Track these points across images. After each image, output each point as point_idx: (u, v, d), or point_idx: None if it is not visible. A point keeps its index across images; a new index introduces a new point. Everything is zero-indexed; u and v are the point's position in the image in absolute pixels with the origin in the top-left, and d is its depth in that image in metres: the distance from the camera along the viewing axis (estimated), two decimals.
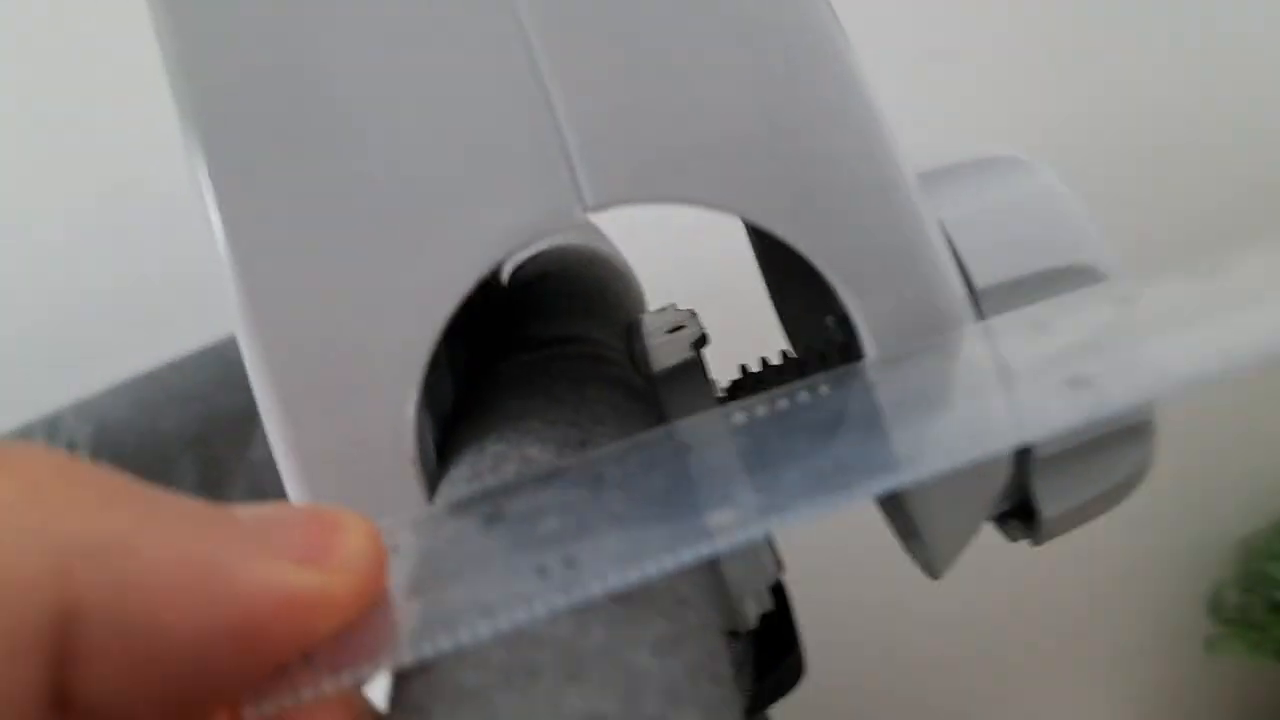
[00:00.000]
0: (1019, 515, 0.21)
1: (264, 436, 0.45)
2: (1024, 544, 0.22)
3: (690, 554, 0.12)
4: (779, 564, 0.22)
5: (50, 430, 0.45)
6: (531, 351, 0.19)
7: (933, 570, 0.20)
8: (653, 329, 0.23)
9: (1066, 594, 0.60)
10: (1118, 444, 0.20)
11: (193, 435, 0.44)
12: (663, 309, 0.25)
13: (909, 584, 0.28)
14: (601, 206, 0.14)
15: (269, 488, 0.49)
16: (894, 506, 0.20)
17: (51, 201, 0.57)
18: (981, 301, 0.18)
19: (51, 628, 0.10)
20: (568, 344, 0.19)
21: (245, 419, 0.44)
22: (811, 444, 0.13)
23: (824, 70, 0.14)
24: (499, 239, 0.14)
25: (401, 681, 0.12)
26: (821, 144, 0.14)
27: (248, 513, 0.13)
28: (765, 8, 0.14)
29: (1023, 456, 0.19)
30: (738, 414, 0.14)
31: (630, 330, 0.23)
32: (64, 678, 0.10)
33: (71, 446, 0.45)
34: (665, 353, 0.21)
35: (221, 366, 0.45)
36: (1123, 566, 0.61)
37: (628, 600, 0.13)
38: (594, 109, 0.14)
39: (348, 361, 0.15)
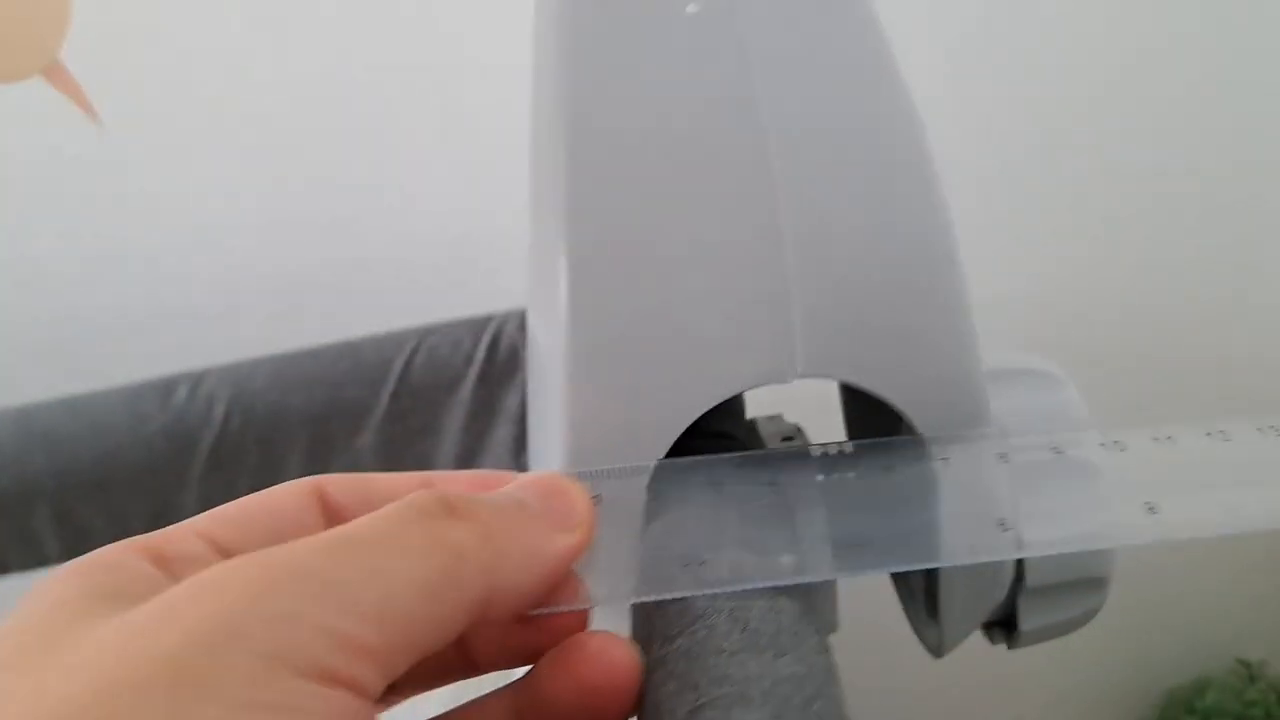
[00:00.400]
0: (1002, 625, 0.30)
1: (373, 427, 0.53)
2: (955, 671, 0.30)
3: (762, 582, 0.20)
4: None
5: (195, 384, 0.53)
6: (698, 439, 0.27)
7: (939, 651, 0.28)
8: (768, 434, 0.31)
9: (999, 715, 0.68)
10: (1085, 588, 0.28)
11: (314, 415, 0.52)
12: (772, 417, 0.33)
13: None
14: (806, 376, 0.23)
15: (365, 469, 0.56)
16: (915, 591, 0.28)
17: None
18: None
19: (480, 598, 0.18)
20: (724, 438, 0.27)
21: (363, 410, 0.52)
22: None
23: (956, 308, 0.23)
24: (736, 380, 0.22)
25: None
26: (940, 364, 0.23)
27: (528, 495, 0.20)
28: (938, 264, 0.23)
29: (1018, 580, 0.27)
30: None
31: (750, 432, 0.31)
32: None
33: (210, 401, 0.52)
34: None
35: (352, 361, 0.52)
36: (1056, 695, 0.69)
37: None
38: (819, 310, 0.22)
39: (627, 433, 0.23)
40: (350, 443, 0.53)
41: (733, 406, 0.29)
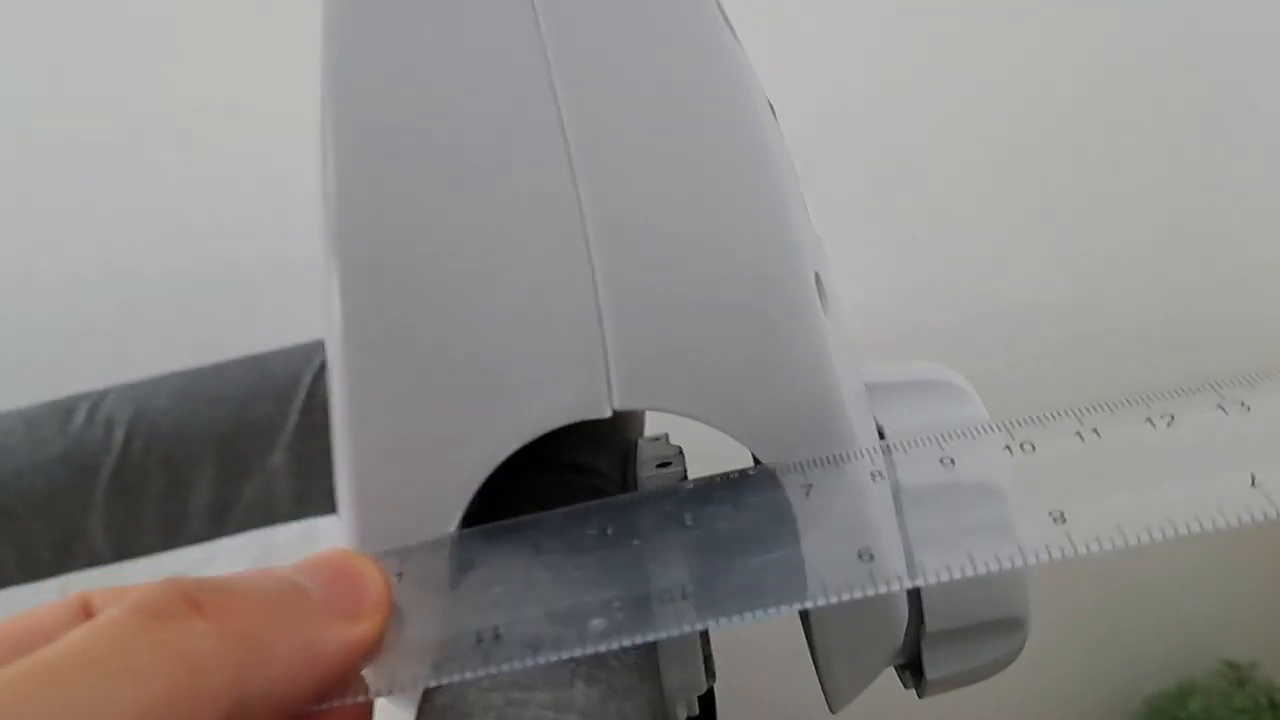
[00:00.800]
0: (913, 669, 0.26)
1: (284, 445, 0.50)
2: None
3: (568, 653, 0.16)
4: (713, 675, 0.27)
5: (94, 405, 0.50)
6: (544, 473, 0.24)
7: (831, 705, 0.24)
8: (645, 458, 0.28)
9: None
10: (995, 632, 0.24)
11: (221, 434, 0.49)
12: (656, 438, 0.30)
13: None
14: (624, 408, 0.19)
15: (279, 490, 0.53)
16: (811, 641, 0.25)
17: None
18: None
19: (227, 713, 0.14)
20: (572, 471, 0.24)
21: (271, 428, 0.49)
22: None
23: (802, 339, 0.19)
24: (544, 417, 0.19)
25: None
26: (789, 391, 0.19)
27: (307, 578, 0.17)
28: (772, 283, 0.19)
29: (919, 624, 0.24)
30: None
31: (626, 457, 0.28)
32: None
33: (110, 423, 0.49)
34: (650, 488, 0.26)
35: (259, 377, 0.49)
36: (1036, 703, 0.66)
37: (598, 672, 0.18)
38: (633, 333, 0.19)
39: (420, 487, 0.20)
40: (262, 462, 0.50)
41: (589, 431, 0.26)
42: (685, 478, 0.26)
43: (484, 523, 0.22)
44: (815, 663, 0.23)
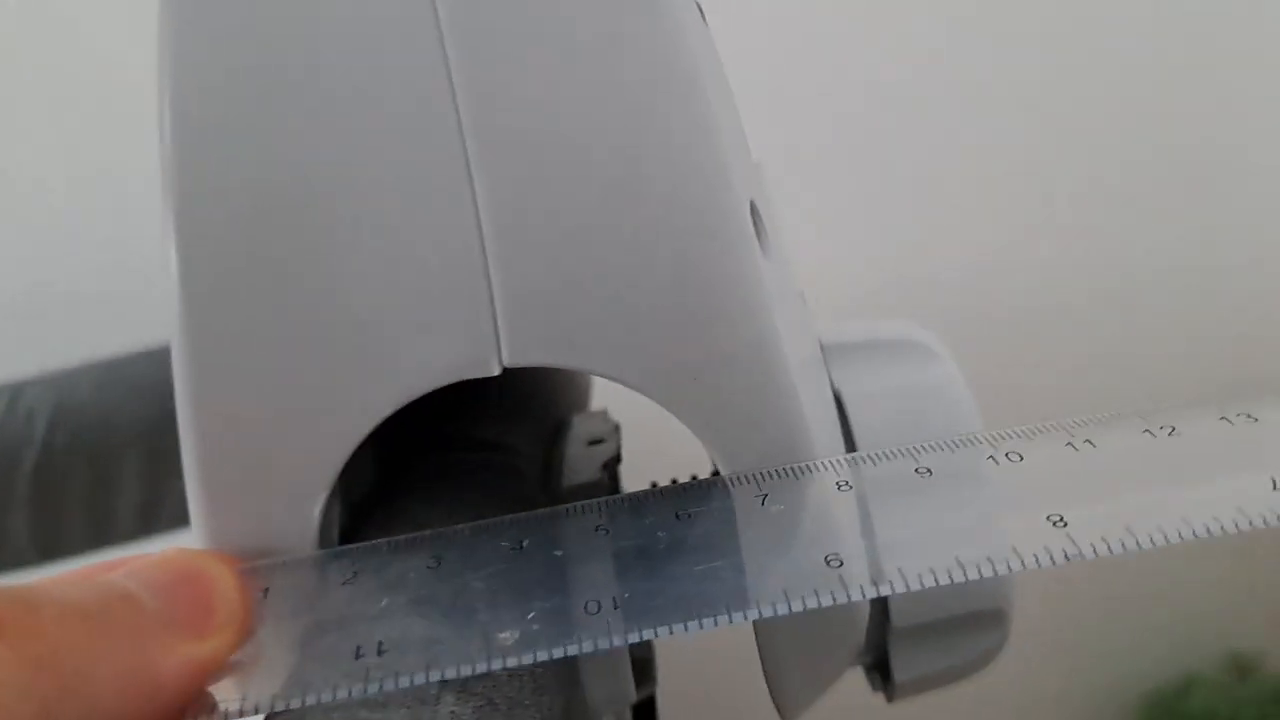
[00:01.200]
0: (881, 669, 0.23)
1: None
2: None
3: (468, 669, 0.13)
4: (653, 681, 0.24)
5: (13, 397, 0.46)
6: (452, 453, 0.21)
7: (783, 714, 0.21)
8: (578, 434, 0.25)
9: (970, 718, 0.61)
10: (973, 626, 0.21)
11: (146, 426, 0.46)
12: (593, 414, 0.27)
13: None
14: (515, 364, 0.16)
15: None
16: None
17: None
18: None
19: None
20: (486, 450, 0.21)
21: None
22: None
23: (732, 276, 0.16)
24: (420, 377, 0.16)
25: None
26: (717, 340, 0.16)
27: (141, 585, 0.14)
28: (691, 211, 0.16)
29: (883, 620, 0.21)
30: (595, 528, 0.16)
31: (557, 434, 0.25)
32: None
33: (31, 415, 0.46)
34: (577, 467, 0.22)
35: None
36: (1029, 701, 0.62)
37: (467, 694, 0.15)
38: (524, 278, 0.16)
39: (270, 454, 0.16)
40: None
41: (508, 405, 0.22)
42: (618, 457, 0.23)
43: (383, 518, 0.19)
44: (764, 668, 0.20)
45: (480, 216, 0.16)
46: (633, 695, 0.20)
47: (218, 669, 0.14)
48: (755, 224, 0.17)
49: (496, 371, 0.16)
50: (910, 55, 0.58)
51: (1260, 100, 0.61)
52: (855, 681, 0.24)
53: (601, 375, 0.16)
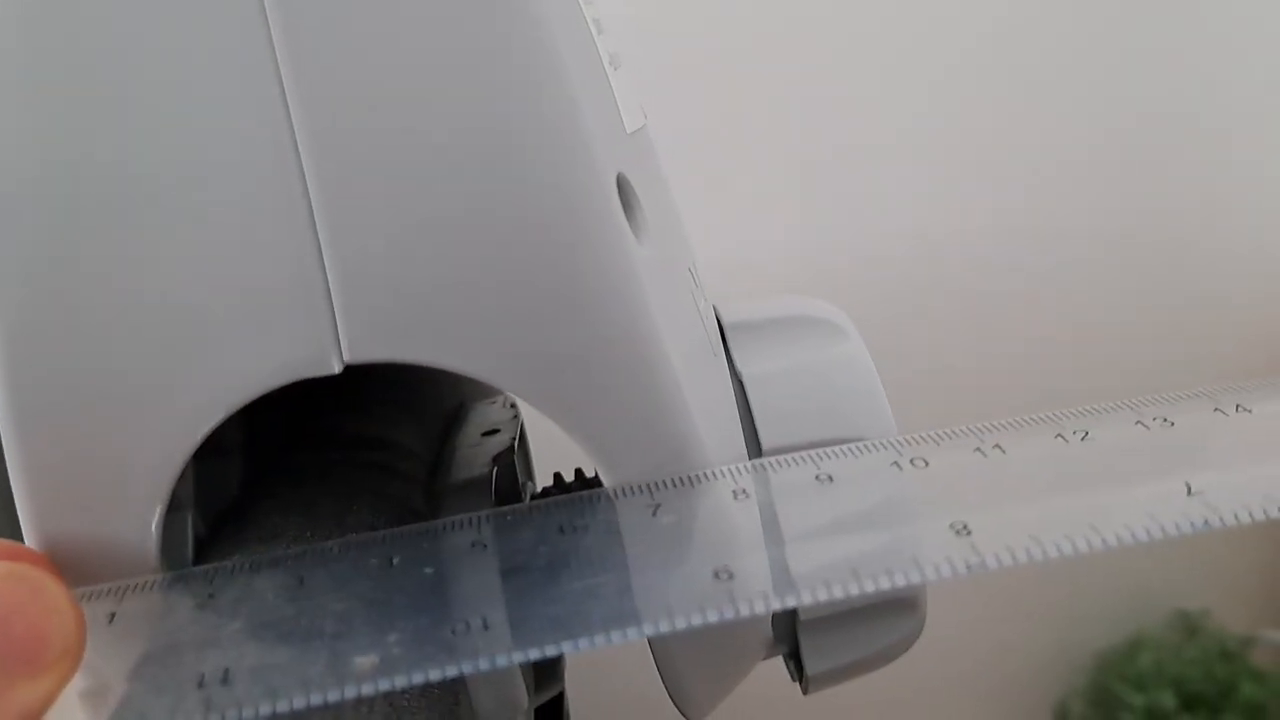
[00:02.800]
0: (797, 659, 0.22)
1: None
2: None
3: (320, 697, 0.12)
4: (559, 680, 0.23)
5: None
6: (322, 451, 0.19)
7: (687, 716, 0.20)
8: (473, 425, 0.23)
9: (914, 686, 0.61)
10: (884, 615, 0.20)
11: None
12: (493, 401, 0.25)
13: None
14: (357, 360, 0.14)
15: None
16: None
17: None
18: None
19: None
20: (360, 448, 0.19)
21: None
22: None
23: (594, 258, 0.15)
24: (253, 378, 0.14)
25: None
26: (581, 329, 0.15)
27: None
28: (544, 187, 0.15)
29: (792, 612, 0.20)
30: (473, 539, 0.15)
31: (451, 423, 0.23)
32: None
33: None
34: (467, 461, 0.21)
35: None
36: (976, 662, 0.63)
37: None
38: (361, 267, 0.14)
39: (97, 469, 0.15)
40: None
41: (386, 398, 0.21)
42: (515, 446, 0.22)
43: (236, 528, 0.17)
44: (660, 672, 0.19)
45: (312, 203, 0.14)
46: (525, 703, 0.19)
47: (51, 704, 0.13)
48: (625, 199, 0.16)
49: (338, 369, 0.14)
50: (853, 27, 0.57)
51: (1219, 83, 0.60)
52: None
53: (454, 370, 0.15)
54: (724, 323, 0.21)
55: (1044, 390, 0.56)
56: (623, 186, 0.16)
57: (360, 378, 0.20)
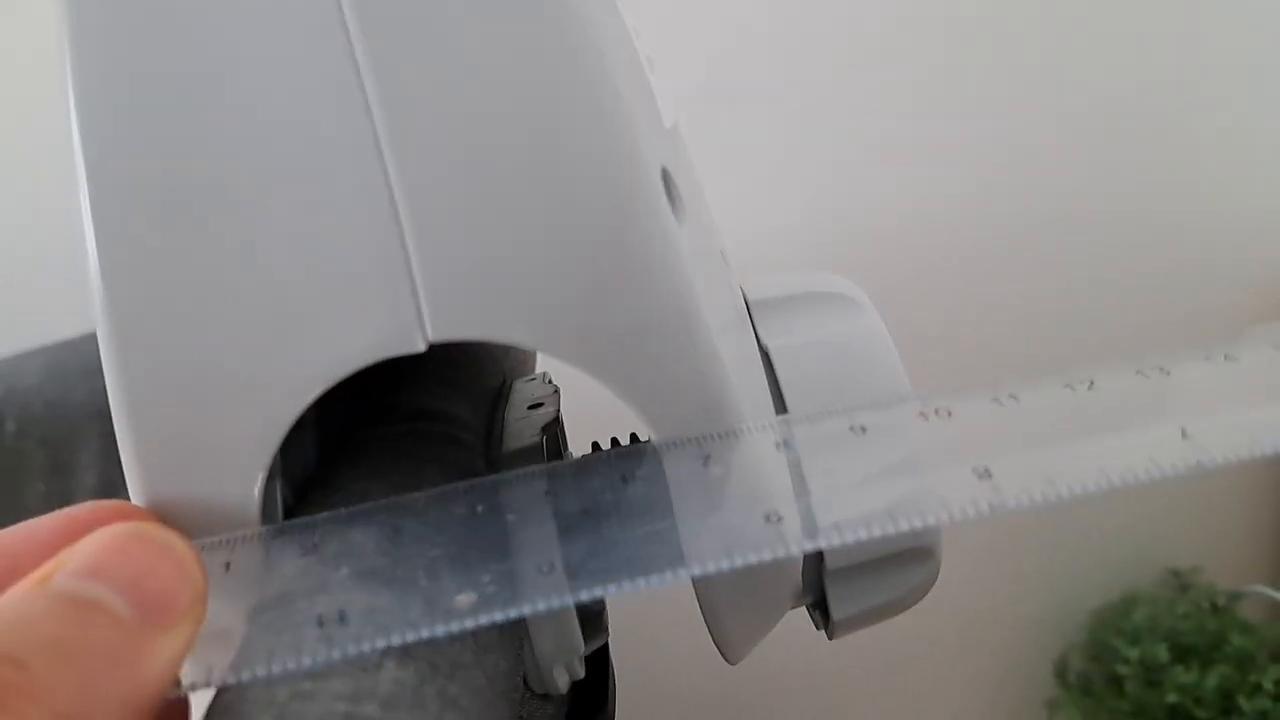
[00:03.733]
0: (822, 608, 0.24)
1: None
2: None
3: (428, 632, 0.14)
4: (604, 631, 0.24)
5: None
6: (390, 425, 0.21)
7: (727, 657, 0.22)
8: (518, 400, 0.25)
9: (919, 644, 0.64)
10: (903, 563, 0.22)
11: (101, 408, 0.45)
12: (532, 378, 0.27)
13: None
14: (440, 339, 0.16)
15: None
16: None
17: None
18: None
19: None
20: (424, 420, 0.21)
21: None
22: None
23: (645, 243, 0.16)
24: (347, 356, 0.16)
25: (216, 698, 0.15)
26: (635, 306, 0.17)
27: (110, 587, 0.14)
28: (602, 182, 0.16)
29: (819, 563, 0.22)
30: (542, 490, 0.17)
31: (497, 398, 0.25)
32: None
33: None
34: (517, 431, 0.23)
35: None
36: (979, 622, 0.65)
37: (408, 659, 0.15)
38: (442, 253, 0.16)
39: (204, 440, 0.17)
40: None
41: (444, 375, 0.23)
42: (558, 419, 0.24)
43: (323, 495, 0.19)
44: (703, 615, 0.21)
45: (394, 192, 0.16)
46: (581, 647, 0.21)
47: (187, 651, 0.14)
48: (669, 190, 0.18)
49: (422, 348, 0.16)
50: (848, 3, 0.59)
51: (1209, 48, 0.62)
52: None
53: (524, 346, 0.16)
54: (748, 299, 0.23)
55: (1052, 356, 0.58)
56: (665, 178, 0.18)
57: (416, 359, 0.22)
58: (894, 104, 0.60)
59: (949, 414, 0.18)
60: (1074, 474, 0.16)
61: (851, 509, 0.16)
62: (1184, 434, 0.16)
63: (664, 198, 0.17)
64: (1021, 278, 0.61)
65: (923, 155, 0.60)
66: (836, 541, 0.16)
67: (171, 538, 0.15)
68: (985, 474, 0.16)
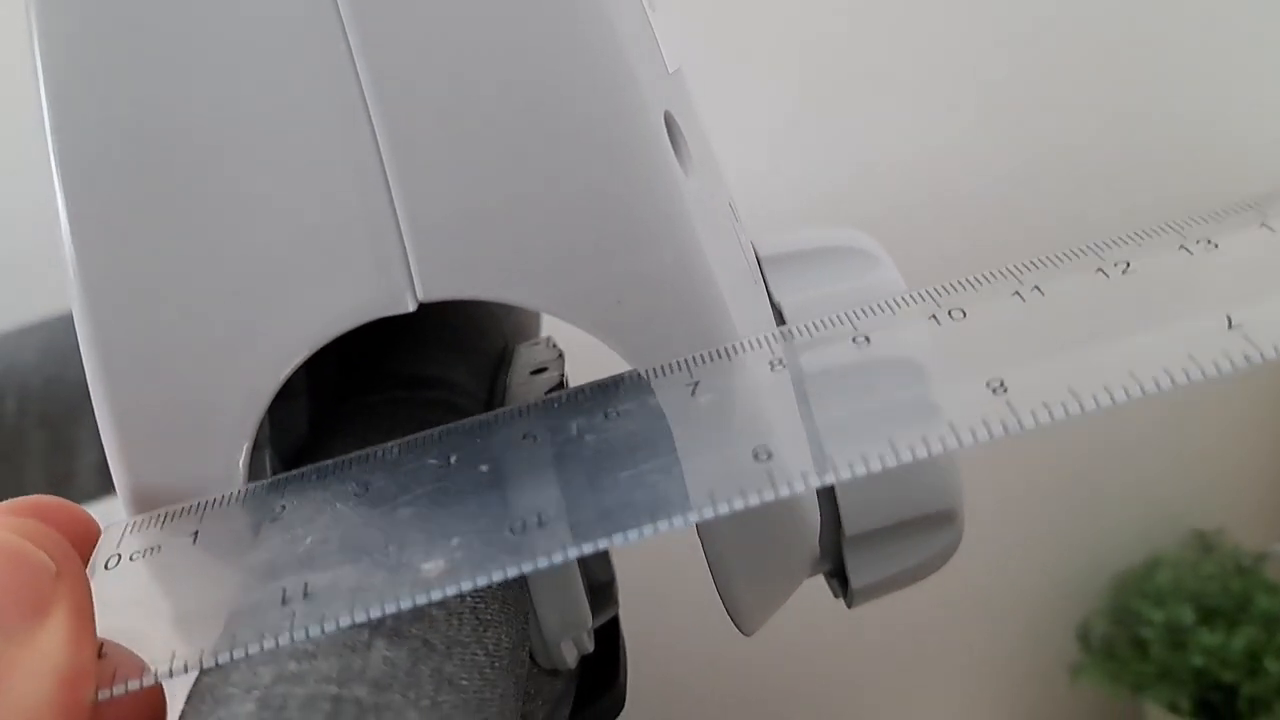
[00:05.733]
0: (840, 576, 0.23)
1: None
2: None
3: (393, 606, 0.13)
4: (614, 603, 0.24)
5: None
6: (384, 391, 0.20)
7: (741, 627, 0.21)
8: (520, 364, 0.24)
9: (941, 609, 0.63)
10: (924, 528, 0.21)
11: None
12: (536, 342, 0.26)
13: None
14: (431, 298, 0.15)
15: None
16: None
17: None
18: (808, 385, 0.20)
19: None
20: (420, 387, 0.20)
21: None
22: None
23: (647, 193, 0.15)
24: (333, 318, 0.15)
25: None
26: (637, 260, 0.15)
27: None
28: (599, 127, 0.15)
29: (836, 529, 0.21)
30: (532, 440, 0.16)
31: (499, 363, 0.24)
32: None
33: None
34: (519, 397, 0.22)
35: None
36: (1001, 589, 0.64)
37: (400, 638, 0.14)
38: (431, 209, 0.15)
39: (185, 409, 0.16)
40: None
41: (444, 339, 0.22)
42: (563, 384, 0.23)
43: (317, 460, 0.18)
44: (715, 582, 0.20)
45: (380, 148, 0.15)
46: (589, 620, 0.20)
47: (85, 635, 0.13)
48: (672, 137, 0.17)
49: (412, 307, 0.15)
50: None
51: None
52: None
53: (520, 304, 0.15)
54: (760, 255, 0.22)
55: None
56: (669, 124, 0.17)
57: (412, 323, 0.20)
58: (908, 51, 0.58)
59: (963, 314, 0.16)
60: (1099, 381, 0.14)
61: (849, 439, 0.14)
62: (1230, 323, 0.14)
63: (667, 144, 0.16)
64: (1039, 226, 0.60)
65: (937, 101, 0.59)
66: (830, 480, 0.14)
67: (4, 537, 0.13)
68: (1000, 388, 0.14)
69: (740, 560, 0.19)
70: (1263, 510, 0.65)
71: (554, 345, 0.26)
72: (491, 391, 0.22)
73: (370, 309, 0.15)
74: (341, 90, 0.15)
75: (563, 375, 0.23)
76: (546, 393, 0.22)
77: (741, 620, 0.21)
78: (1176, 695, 0.55)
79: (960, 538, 0.22)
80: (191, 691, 0.14)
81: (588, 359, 0.26)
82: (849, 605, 0.23)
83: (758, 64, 0.57)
